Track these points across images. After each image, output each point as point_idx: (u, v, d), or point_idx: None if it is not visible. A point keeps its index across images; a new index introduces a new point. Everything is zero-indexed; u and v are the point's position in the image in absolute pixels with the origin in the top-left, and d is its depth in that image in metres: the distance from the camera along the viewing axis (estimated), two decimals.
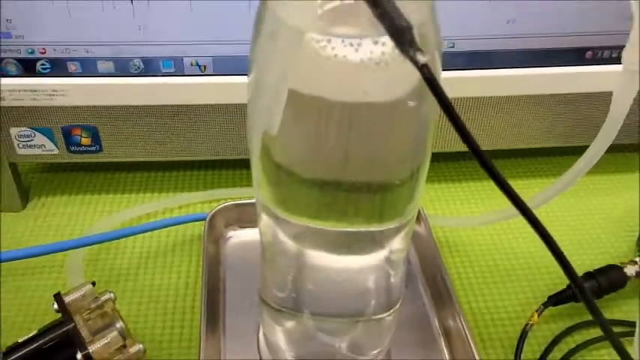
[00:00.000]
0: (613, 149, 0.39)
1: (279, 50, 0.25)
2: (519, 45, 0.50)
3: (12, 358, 0.33)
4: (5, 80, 0.46)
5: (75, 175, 0.57)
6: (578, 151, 0.38)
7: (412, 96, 0.26)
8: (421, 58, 0.20)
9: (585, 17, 0.47)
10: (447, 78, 0.48)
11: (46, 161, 0.54)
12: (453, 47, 0.49)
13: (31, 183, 0.55)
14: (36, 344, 0.34)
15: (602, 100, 0.53)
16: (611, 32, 0.50)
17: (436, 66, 0.26)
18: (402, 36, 0.20)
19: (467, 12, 0.48)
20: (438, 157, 0.59)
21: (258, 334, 0.42)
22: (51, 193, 0.54)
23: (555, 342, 0.42)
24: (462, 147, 0.25)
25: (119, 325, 0.36)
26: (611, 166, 0.58)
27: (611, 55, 0.51)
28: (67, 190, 0.55)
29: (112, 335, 0.34)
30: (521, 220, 0.23)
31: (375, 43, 0.22)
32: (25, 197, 0.53)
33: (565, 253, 0.25)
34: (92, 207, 0.53)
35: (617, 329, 0.43)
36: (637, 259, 0.45)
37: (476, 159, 0.21)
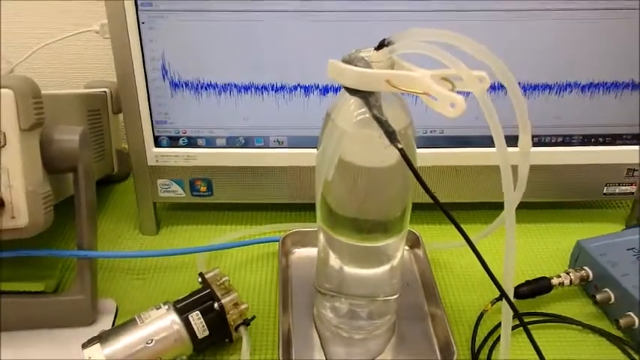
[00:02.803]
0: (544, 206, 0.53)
1: (334, 138, 0.39)
2: (486, 132, 0.55)
3: (180, 305, 0.46)
4: (159, 149, 0.61)
5: (192, 212, 0.69)
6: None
7: (399, 163, 0.38)
8: (399, 145, 0.35)
9: (533, 113, 0.55)
10: (436, 152, 0.64)
11: (175, 202, 0.66)
12: (442, 132, 0.60)
13: (162, 216, 0.69)
14: (192, 298, 0.47)
15: (542, 170, 0.62)
16: (555, 125, 0.60)
17: (411, 148, 0.39)
18: (390, 135, 0.35)
19: None
20: (431, 207, 0.68)
21: (313, 309, 0.52)
22: (175, 223, 0.68)
23: (500, 324, 0.50)
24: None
25: (235, 292, 0.47)
26: (545, 217, 0.69)
27: (550, 140, 0.61)
28: (186, 222, 0.68)
29: (234, 295, 0.47)
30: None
31: (380, 137, 0.37)
32: (158, 226, 0.67)
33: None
34: (203, 233, 0.66)
35: (537, 318, 0.54)
36: (561, 274, 0.56)
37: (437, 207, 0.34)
